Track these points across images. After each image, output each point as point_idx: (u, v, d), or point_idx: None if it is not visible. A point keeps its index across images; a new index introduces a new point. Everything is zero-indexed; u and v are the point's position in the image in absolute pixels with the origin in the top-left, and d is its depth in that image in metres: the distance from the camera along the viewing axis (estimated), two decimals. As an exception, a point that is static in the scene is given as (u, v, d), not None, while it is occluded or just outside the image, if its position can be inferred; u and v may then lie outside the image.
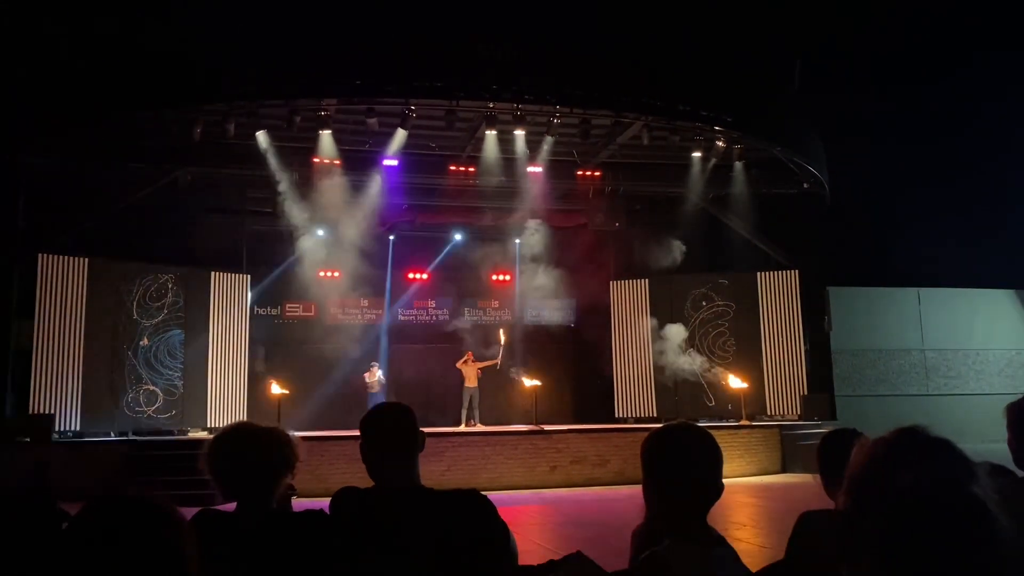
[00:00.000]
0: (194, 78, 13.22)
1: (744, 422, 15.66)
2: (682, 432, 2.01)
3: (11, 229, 14.00)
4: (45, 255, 14.22)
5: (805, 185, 17.19)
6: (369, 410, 2.48)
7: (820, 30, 21.02)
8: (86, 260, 14.59)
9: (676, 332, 17.32)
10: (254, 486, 2.28)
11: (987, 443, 3.32)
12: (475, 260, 17.92)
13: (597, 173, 17.53)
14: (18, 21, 13.54)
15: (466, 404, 15.79)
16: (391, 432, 2.37)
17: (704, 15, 18.06)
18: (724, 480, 1.96)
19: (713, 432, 2.02)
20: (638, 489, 2.01)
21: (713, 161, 16.51)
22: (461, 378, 16.18)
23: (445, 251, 18.42)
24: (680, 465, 1.93)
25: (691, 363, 17.17)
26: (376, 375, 16.38)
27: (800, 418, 16.65)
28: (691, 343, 17.53)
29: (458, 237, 18.31)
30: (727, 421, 16.20)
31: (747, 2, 20.05)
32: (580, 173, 17.44)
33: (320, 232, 16.42)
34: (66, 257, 14.41)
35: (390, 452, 2.34)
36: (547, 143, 15.68)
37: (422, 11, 14.31)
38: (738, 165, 16.81)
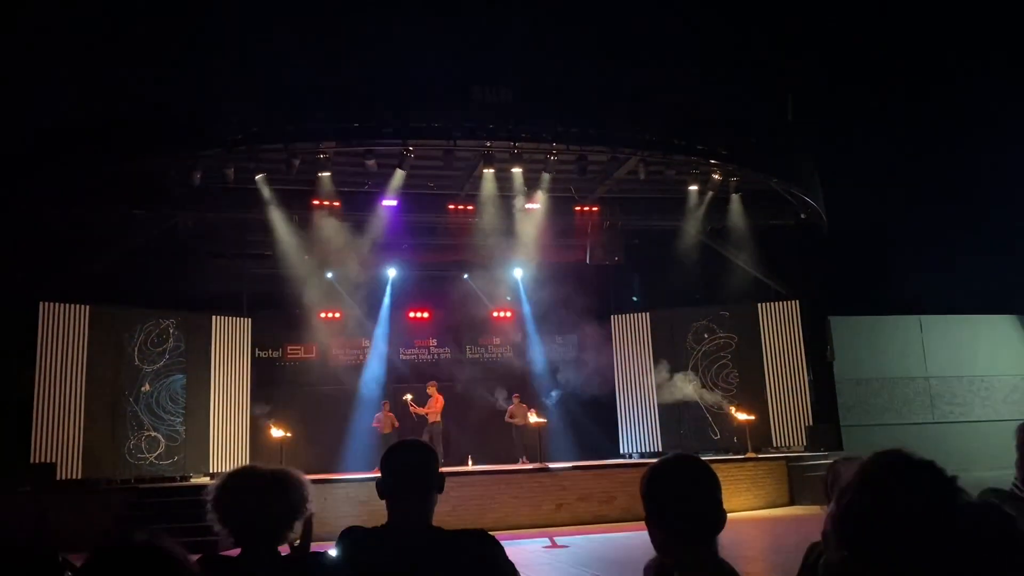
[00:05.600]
0: (193, 124, 13.35)
1: (750, 455, 15.55)
2: (676, 463, 2.00)
3: (11, 277, 14.03)
4: (46, 303, 14.23)
5: (802, 215, 17.25)
6: (392, 446, 2.44)
7: (816, 57, 21.25)
8: (87, 307, 14.59)
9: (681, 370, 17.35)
10: (263, 531, 2.25)
11: (995, 470, 3.30)
12: (476, 298, 17.93)
13: (595, 208, 17.58)
14: (18, 70, 13.71)
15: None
16: (414, 470, 2.33)
17: (697, 50, 18.29)
18: (732, 514, 1.94)
19: (719, 465, 2.02)
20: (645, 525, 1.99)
21: (710, 194, 16.57)
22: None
23: (445, 289, 18.44)
24: (676, 495, 1.93)
25: (690, 392, 17.17)
26: (390, 416, 16.24)
27: (806, 449, 16.53)
28: (694, 376, 17.49)
29: (458, 275, 18.33)
30: (733, 454, 16.09)
31: (740, 36, 20.30)
32: (578, 208, 17.50)
33: (320, 273, 16.45)
34: (67, 304, 14.42)
35: (411, 491, 2.30)
36: (545, 180, 15.76)
37: (418, 53, 14.52)
38: (735, 197, 16.84)
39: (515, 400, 16.77)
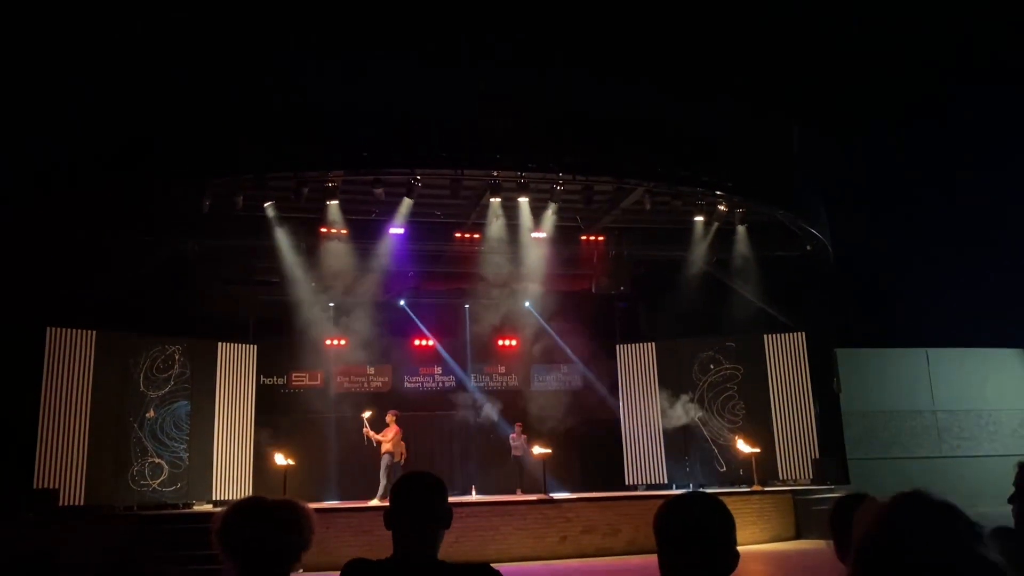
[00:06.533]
0: (204, 151, 13.46)
1: (756, 487, 15.40)
2: (693, 501, 1.99)
3: (19, 302, 14.05)
4: (53, 328, 14.26)
5: (808, 247, 17.24)
6: (402, 477, 2.46)
7: (821, 91, 21.37)
8: (94, 333, 14.61)
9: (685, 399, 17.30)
10: (268, 562, 2.23)
11: (1003, 506, 3.27)
12: (481, 326, 17.93)
13: (601, 238, 17.63)
14: (26, 90, 13.82)
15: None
16: (422, 503, 2.34)
17: (703, 82, 18.42)
18: (738, 547, 1.93)
19: (725, 498, 2.00)
20: (651, 559, 1.98)
21: (716, 225, 16.62)
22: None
23: (450, 318, 18.45)
24: (691, 532, 1.91)
25: (693, 418, 17.13)
26: (402, 445, 15.79)
27: (812, 482, 16.38)
28: (700, 407, 17.43)
29: (464, 304, 18.35)
30: (739, 486, 15.95)
31: (745, 67, 20.45)
32: (584, 238, 17.55)
33: (327, 301, 16.47)
34: (74, 330, 14.45)
35: (417, 523, 2.31)
36: (551, 209, 15.83)
37: (425, 83, 14.63)
38: (741, 228, 16.89)
39: (517, 430, 16.66)
